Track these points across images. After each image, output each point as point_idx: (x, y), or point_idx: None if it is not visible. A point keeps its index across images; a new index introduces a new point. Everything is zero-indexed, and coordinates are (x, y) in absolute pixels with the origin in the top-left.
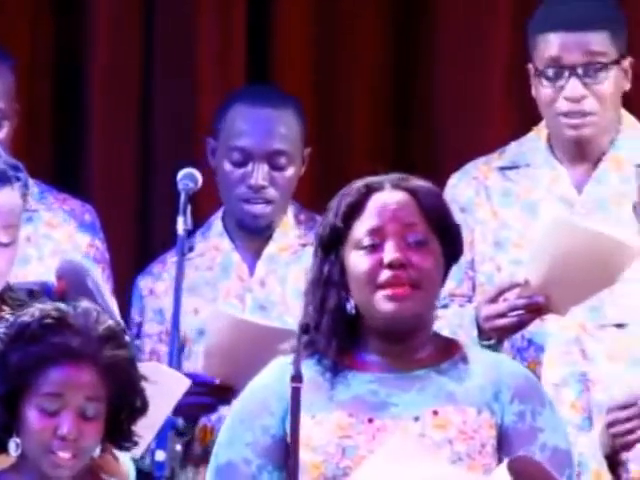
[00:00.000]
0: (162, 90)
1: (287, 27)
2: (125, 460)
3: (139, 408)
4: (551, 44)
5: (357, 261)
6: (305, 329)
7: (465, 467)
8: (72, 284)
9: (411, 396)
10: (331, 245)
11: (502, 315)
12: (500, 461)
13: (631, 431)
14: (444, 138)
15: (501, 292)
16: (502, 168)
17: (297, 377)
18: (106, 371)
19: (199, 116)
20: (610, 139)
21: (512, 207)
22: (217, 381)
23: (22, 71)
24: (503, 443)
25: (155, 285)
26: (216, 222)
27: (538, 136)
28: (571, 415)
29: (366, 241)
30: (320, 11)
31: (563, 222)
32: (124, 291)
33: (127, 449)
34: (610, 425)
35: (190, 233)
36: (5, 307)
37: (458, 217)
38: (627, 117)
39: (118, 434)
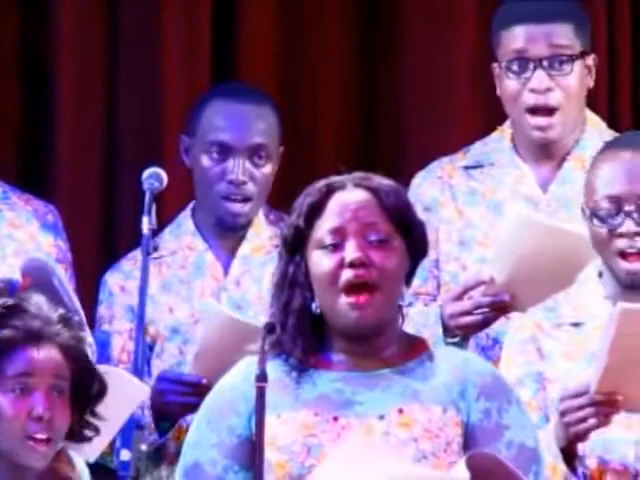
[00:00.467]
0: (127, 89)
1: (252, 26)
2: (79, 463)
3: (98, 391)
4: (516, 37)
5: (319, 261)
6: (271, 329)
7: (430, 465)
8: (37, 281)
9: (376, 394)
10: (295, 245)
11: (467, 313)
12: None
13: (583, 419)
14: (410, 137)
15: (466, 290)
16: (466, 167)
17: (262, 377)
18: (67, 352)
19: (165, 115)
20: (575, 138)
21: (478, 206)
22: (204, 381)
23: None
24: (469, 441)
25: (126, 283)
26: (186, 221)
27: (502, 136)
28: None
29: (327, 240)
30: (285, 10)
31: (527, 219)
32: (89, 289)
33: (88, 439)
34: (562, 414)
35: (155, 232)
36: None
37: (422, 216)
38: (592, 117)
39: (79, 419)
